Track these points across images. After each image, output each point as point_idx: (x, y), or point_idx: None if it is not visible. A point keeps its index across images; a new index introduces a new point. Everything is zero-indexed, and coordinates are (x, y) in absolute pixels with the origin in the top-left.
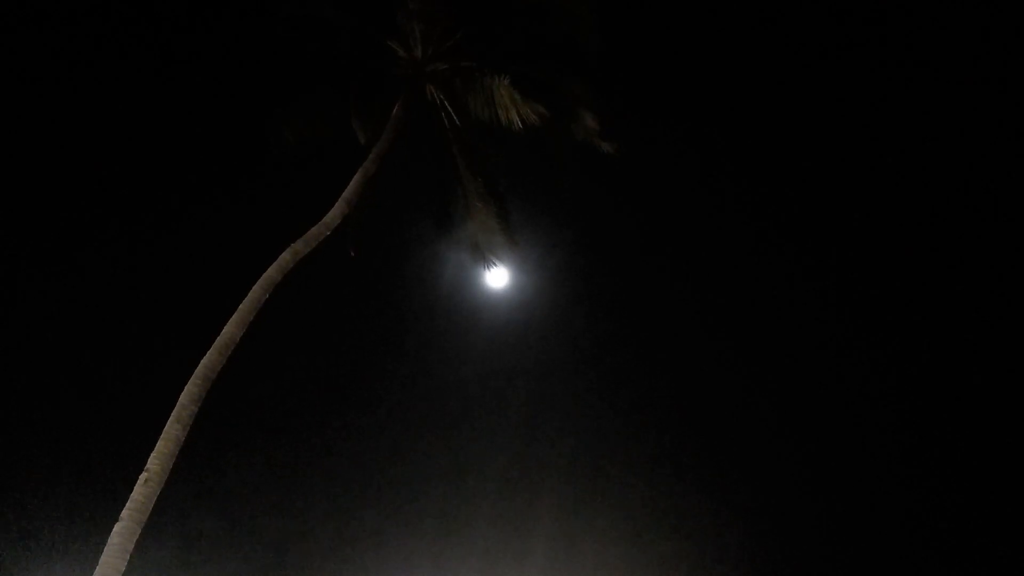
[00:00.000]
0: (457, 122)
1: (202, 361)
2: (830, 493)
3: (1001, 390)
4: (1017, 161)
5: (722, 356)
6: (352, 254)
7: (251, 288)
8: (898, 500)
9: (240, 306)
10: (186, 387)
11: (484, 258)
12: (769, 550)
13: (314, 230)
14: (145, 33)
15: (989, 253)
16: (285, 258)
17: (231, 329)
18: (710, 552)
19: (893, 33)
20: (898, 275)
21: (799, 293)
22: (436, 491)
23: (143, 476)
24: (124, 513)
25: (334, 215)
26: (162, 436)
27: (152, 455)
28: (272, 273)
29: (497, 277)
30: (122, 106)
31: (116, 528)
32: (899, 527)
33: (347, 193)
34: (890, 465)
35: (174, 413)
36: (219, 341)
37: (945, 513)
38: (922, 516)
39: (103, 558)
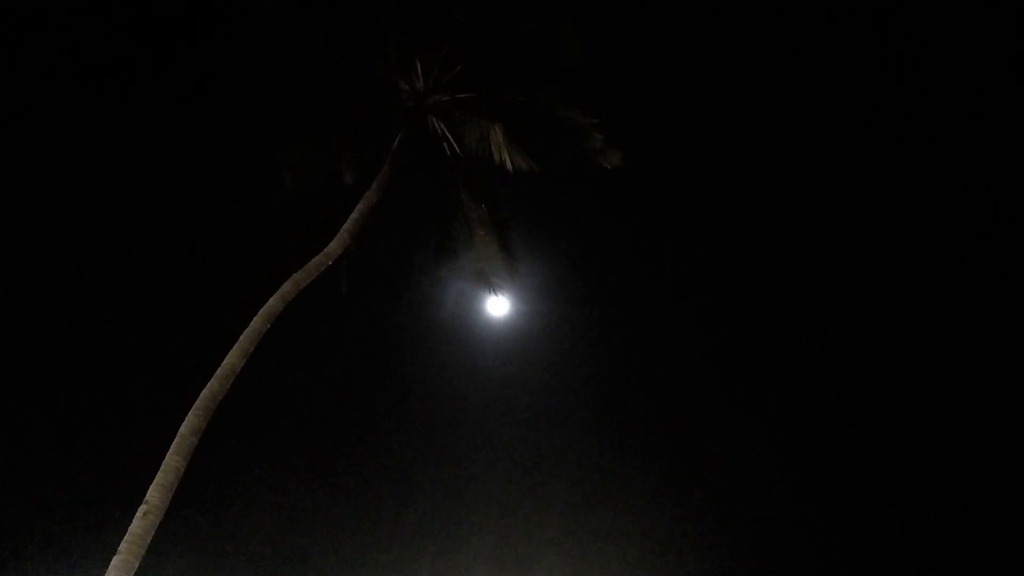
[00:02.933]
0: (459, 152)
1: (203, 391)
2: (834, 510)
3: (996, 400)
4: (1017, 162)
5: (725, 377)
6: (343, 289)
7: (252, 318)
8: (901, 514)
9: (241, 336)
10: (187, 417)
11: (487, 285)
12: (770, 565)
13: (316, 260)
14: (145, 64)
15: (986, 257)
16: (287, 288)
17: (232, 359)
18: (711, 568)
19: (888, 51)
20: (903, 299)
21: (803, 315)
22: (439, 518)
23: (142, 508)
24: (122, 546)
25: (336, 245)
26: (162, 467)
27: (151, 487)
28: (274, 303)
29: (498, 306)
30: (125, 138)
31: (114, 561)
32: (898, 539)
33: (349, 224)
34: (896, 482)
35: (174, 444)
36: (220, 371)
37: (943, 519)
38: (923, 530)
39: None
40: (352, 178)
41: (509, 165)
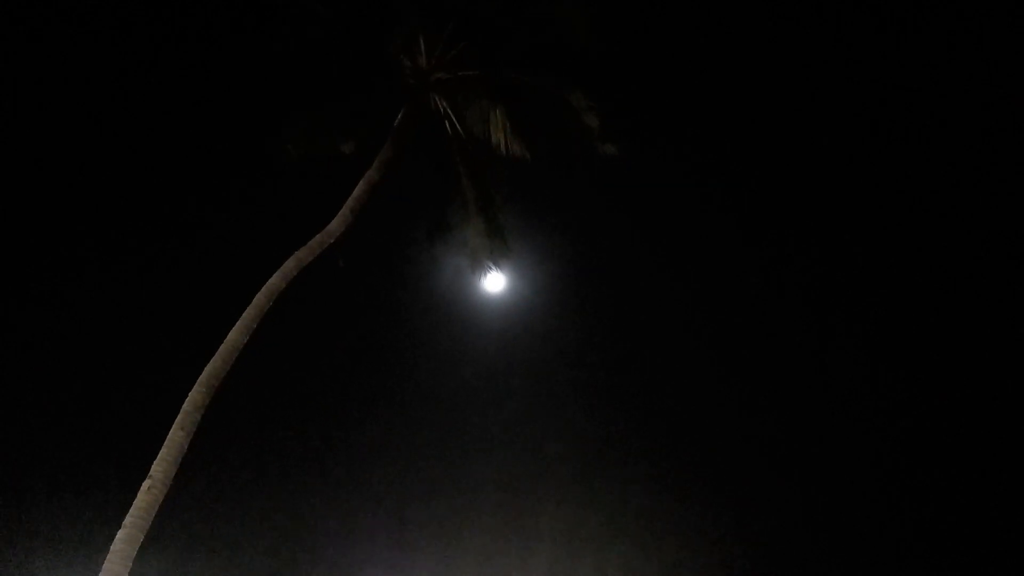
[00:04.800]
0: (460, 130)
1: (206, 368)
2: (828, 497)
3: (997, 400)
4: (1017, 162)
5: (718, 361)
6: (340, 264)
7: (254, 295)
8: (900, 509)
9: (244, 313)
10: (190, 394)
11: (482, 264)
12: (769, 554)
13: (318, 238)
14: (146, 41)
15: (986, 257)
16: (289, 266)
17: (235, 336)
18: (710, 556)
19: (895, 40)
20: (910, 294)
21: (797, 301)
22: (435, 495)
23: (146, 483)
24: (127, 520)
25: (337, 224)
26: (165, 443)
27: (155, 462)
28: (276, 281)
29: (494, 282)
30: (127, 114)
31: (119, 535)
32: (898, 535)
33: (351, 202)
34: (892, 475)
35: (178, 420)
36: (223, 348)
37: (943, 515)
38: (929, 529)
39: (106, 565)
40: (350, 149)
41: (503, 149)
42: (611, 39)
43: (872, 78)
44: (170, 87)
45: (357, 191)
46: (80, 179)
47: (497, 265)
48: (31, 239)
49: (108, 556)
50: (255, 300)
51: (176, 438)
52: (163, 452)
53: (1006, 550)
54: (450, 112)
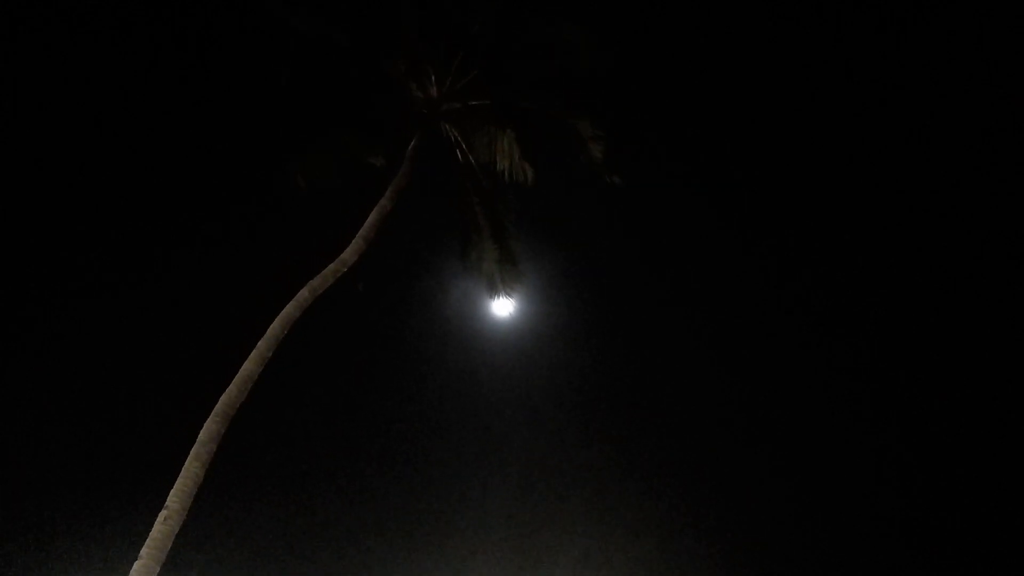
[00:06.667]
0: (470, 158)
1: (221, 398)
2: (838, 508)
3: (999, 400)
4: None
5: (732, 377)
6: (359, 288)
7: (269, 324)
8: (902, 514)
9: (259, 343)
10: (205, 424)
11: (493, 288)
12: (781, 558)
13: (332, 267)
14: (161, 69)
15: (986, 257)
16: (304, 295)
17: (250, 366)
18: (725, 563)
19: (895, 40)
20: (910, 294)
21: (806, 320)
22: (450, 520)
23: (162, 514)
24: (143, 551)
25: (351, 252)
26: (181, 473)
27: (171, 492)
28: (291, 310)
29: (503, 306)
30: (141, 145)
31: (135, 567)
32: (900, 540)
33: (364, 230)
34: (898, 481)
35: (193, 450)
36: (238, 377)
37: (945, 519)
38: (924, 530)
39: None
40: (381, 162)
41: (511, 176)
42: (614, 62)
43: (872, 78)
44: (185, 116)
45: (370, 219)
46: (94, 211)
47: (510, 290)
48: (50, 272)
49: None
50: (270, 330)
51: (192, 468)
52: (179, 483)
53: (1006, 550)
54: (460, 140)
